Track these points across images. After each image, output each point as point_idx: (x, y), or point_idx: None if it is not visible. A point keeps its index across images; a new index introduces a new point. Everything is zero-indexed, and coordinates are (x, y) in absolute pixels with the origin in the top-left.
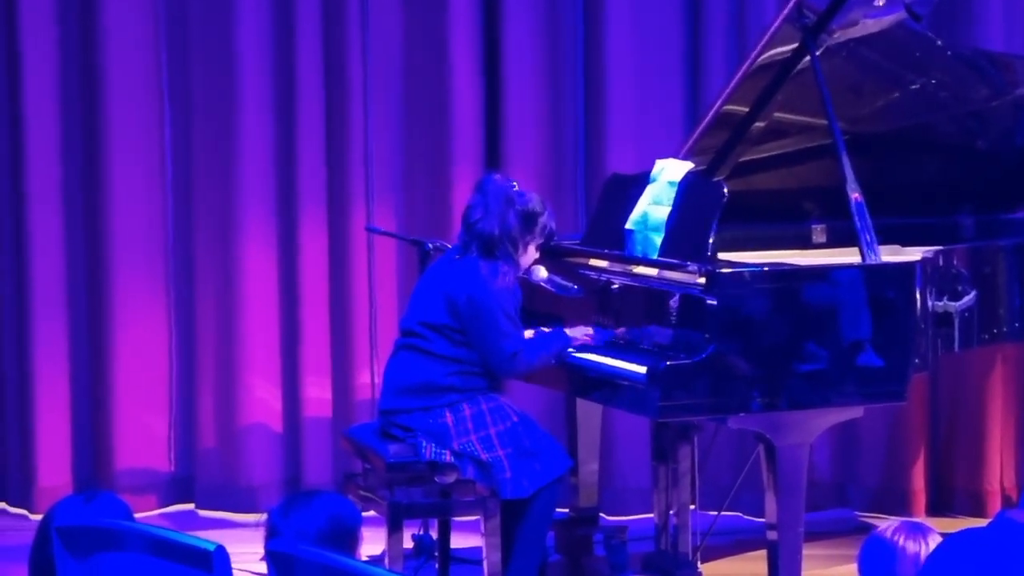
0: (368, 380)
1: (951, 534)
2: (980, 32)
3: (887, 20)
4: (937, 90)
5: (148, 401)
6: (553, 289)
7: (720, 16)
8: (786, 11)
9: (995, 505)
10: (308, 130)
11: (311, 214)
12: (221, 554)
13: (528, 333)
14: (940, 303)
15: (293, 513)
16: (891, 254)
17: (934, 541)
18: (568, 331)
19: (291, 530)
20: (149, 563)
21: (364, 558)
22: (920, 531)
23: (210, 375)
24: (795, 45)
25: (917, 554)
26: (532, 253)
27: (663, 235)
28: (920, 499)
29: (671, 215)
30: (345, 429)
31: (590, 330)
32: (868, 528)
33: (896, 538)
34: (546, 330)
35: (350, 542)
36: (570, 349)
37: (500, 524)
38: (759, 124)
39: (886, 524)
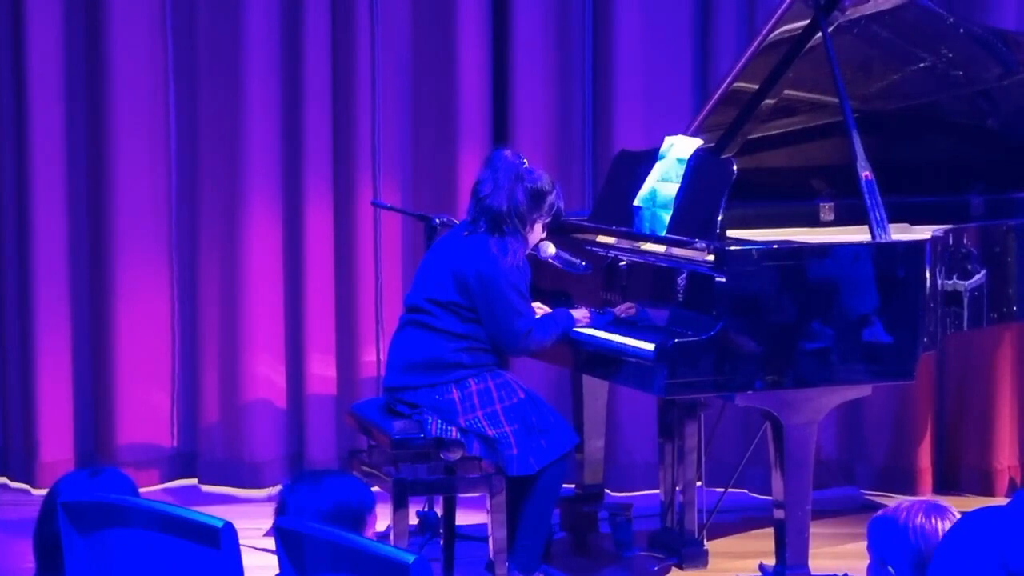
0: (373, 357)
1: (966, 513)
2: (994, 10)
3: None
4: (948, 68)
5: (151, 376)
6: (561, 265)
7: None
8: None
9: (1002, 483)
10: (314, 104)
11: (317, 189)
12: (229, 531)
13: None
14: (949, 282)
15: (300, 491)
16: (901, 232)
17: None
18: (573, 312)
19: (295, 507)
20: (156, 539)
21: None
22: (940, 512)
23: (214, 350)
24: (806, 22)
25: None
26: (539, 231)
27: (671, 212)
28: (927, 477)
29: (680, 192)
30: (350, 405)
31: (587, 312)
32: (875, 506)
33: (919, 520)
34: (547, 310)
35: (356, 527)
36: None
37: (506, 501)
38: (769, 101)
39: (902, 503)
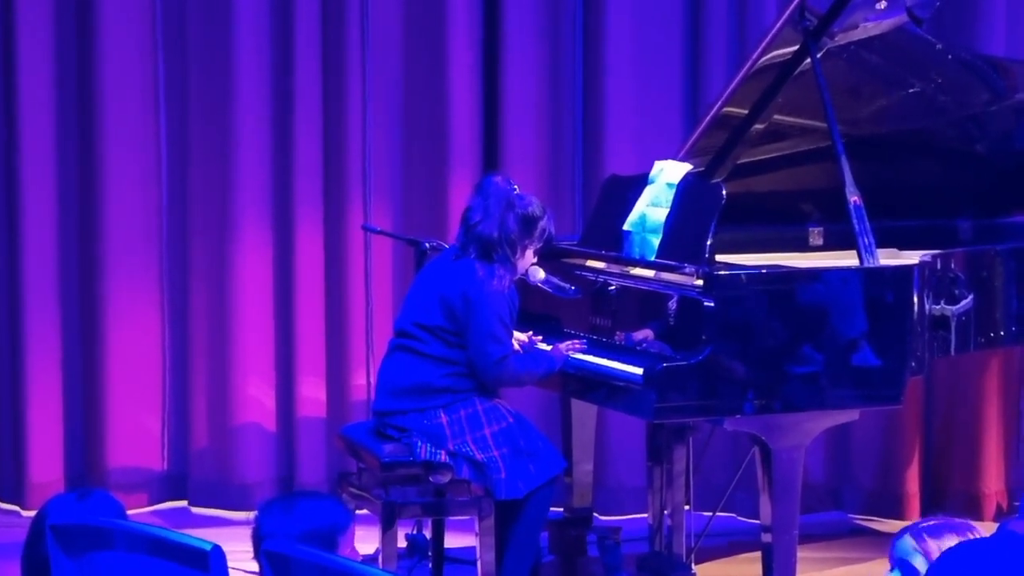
0: (363, 381)
1: (952, 546)
2: (983, 36)
3: (888, 23)
4: (937, 94)
5: (141, 398)
6: (550, 290)
7: (720, 17)
8: (787, 13)
9: (990, 508)
10: (305, 128)
11: (307, 212)
12: (218, 554)
13: (520, 337)
14: (937, 306)
15: (272, 513)
16: (889, 257)
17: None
18: (557, 350)
19: (268, 531)
20: (144, 562)
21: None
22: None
23: (203, 373)
24: (796, 47)
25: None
26: (529, 257)
27: (661, 237)
28: (914, 502)
29: (669, 217)
30: (340, 428)
31: (570, 344)
32: (862, 531)
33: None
34: (546, 347)
35: (329, 548)
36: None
37: (494, 524)
38: (758, 126)
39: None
